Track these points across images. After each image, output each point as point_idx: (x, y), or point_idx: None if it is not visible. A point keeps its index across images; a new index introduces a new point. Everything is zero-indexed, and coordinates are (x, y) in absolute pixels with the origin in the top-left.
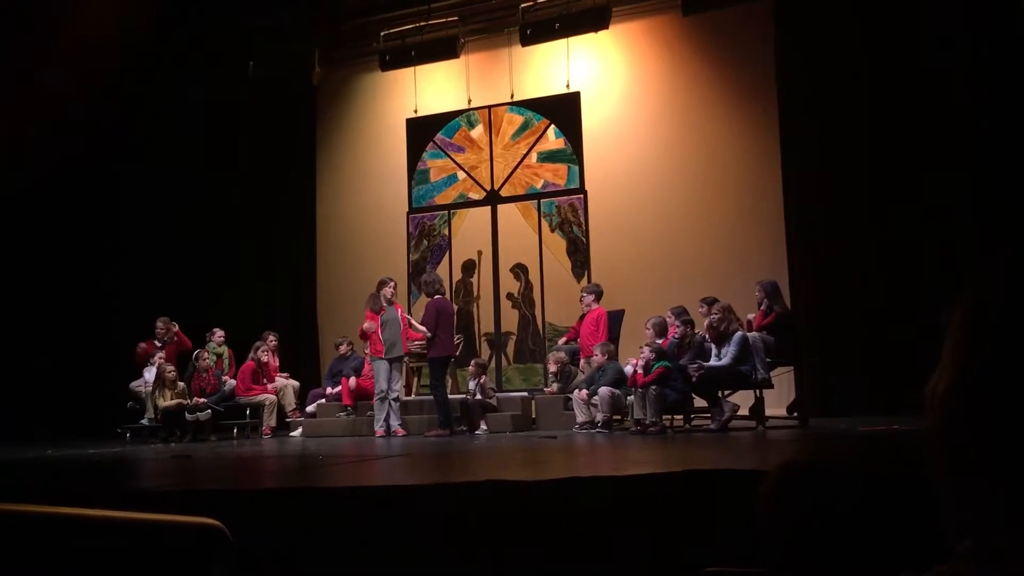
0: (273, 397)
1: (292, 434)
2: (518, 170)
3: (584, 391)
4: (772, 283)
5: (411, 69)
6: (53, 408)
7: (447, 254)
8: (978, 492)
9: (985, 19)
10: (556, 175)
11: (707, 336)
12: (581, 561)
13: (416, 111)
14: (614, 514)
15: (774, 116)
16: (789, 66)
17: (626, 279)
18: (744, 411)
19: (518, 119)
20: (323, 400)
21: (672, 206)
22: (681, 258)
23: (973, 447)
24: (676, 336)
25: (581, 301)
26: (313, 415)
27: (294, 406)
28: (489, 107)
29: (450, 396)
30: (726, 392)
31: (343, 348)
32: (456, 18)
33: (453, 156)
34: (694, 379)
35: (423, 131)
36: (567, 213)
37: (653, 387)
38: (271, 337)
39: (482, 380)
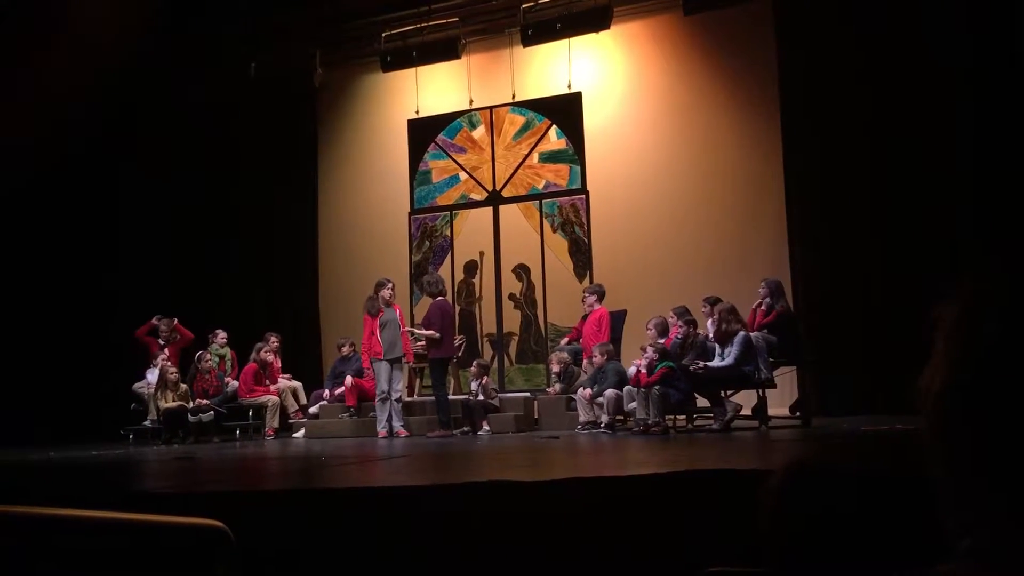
0: (275, 398)
1: (294, 435)
2: (520, 171)
3: (587, 390)
4: (776, 281)
5: (412, 70)
6: (55, 410)
7: (449, 255)
8: (977, 491)
9: (987, 18)
10: (558, 175)
11: (712, 338)
12: (583, 561)
13: (418, 112)
14: (617, 514)
15: (776, 115)
16: (791, 65)
17: (628, 279)
18: (747, 411)
19: (519, 120)
20: (325, 401)
21: (674, 206)
22: (683, 258)
23: (971, 446)
24: (680, 336)
25: (583, 301)
26: (315, 416)
27: (296, 407)
28: (491, 108)
29: (453, 397)
30: (728, 392)
31: (345, 349)
32: (457, 19)
33: (455, 157)
34: (698, 369)
35: (425, 132)
36: (569, 213)
37: (656, 387)
38: (273, 338)
39: (484, 381)
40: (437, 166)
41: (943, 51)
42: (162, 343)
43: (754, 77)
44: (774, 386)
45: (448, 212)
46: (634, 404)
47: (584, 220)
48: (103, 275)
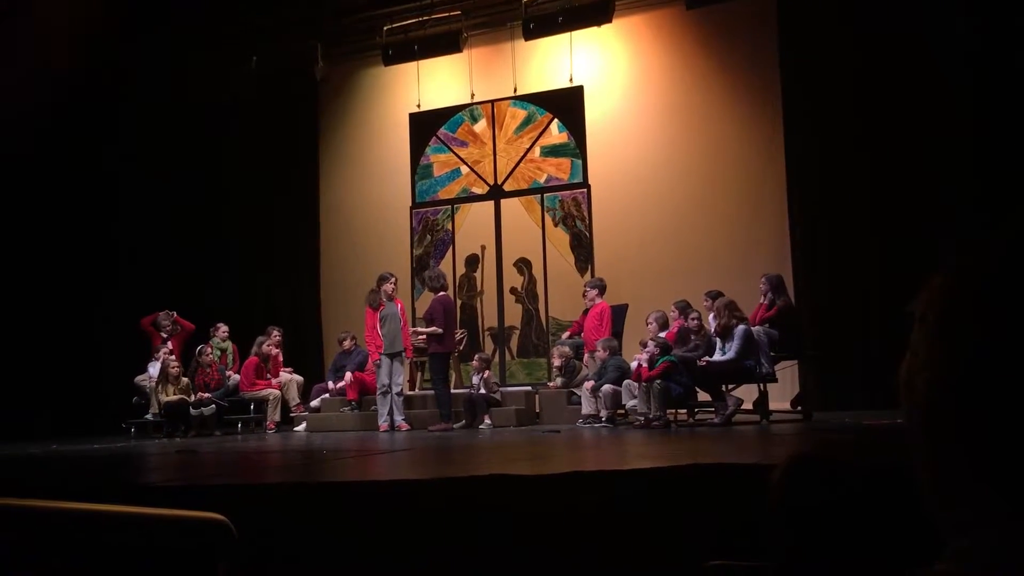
0: (277, 392)
1: (296, 429)
2: (521, 164)
3: (591, 383)
4: (777, 276)
5: (414, 64)
6: (57, 403)
7: (450, 249)
8: (972, 491)
9: (987, 18)
10: (559, 169)
11: (713, 332)
12: (585, 555)
13: (419, 106)
14: (618, 508)
15: (778, 110)
16: (793, 60)
17: (629, 273)
18: (748, 405)
19: (521, 113)
20: (327, 395)
21: (675, 200)
22: (684, 252)
23: (964, 446)
24: (692, 327)
25: (584, 296)
26: (317, 410)
27: (297, 401)
28: (492, 101)
29: (454, 390)
30: (730, 386)
31: (347, 343)
32: (459, 12)
33: (456, 151)
34: (702, 363)
35: (426, 126)
36: (570, 207)
37: (658, 381)
38: (275, 332)
39: (486, 375)
40: (438, 160)
41: (945, 48)
42: (164, 336)
43: (756, 71)
44: (775, 380)
45: (449, 206)
46: (634, 401)
47: (585, 214)
48: (105, 270)
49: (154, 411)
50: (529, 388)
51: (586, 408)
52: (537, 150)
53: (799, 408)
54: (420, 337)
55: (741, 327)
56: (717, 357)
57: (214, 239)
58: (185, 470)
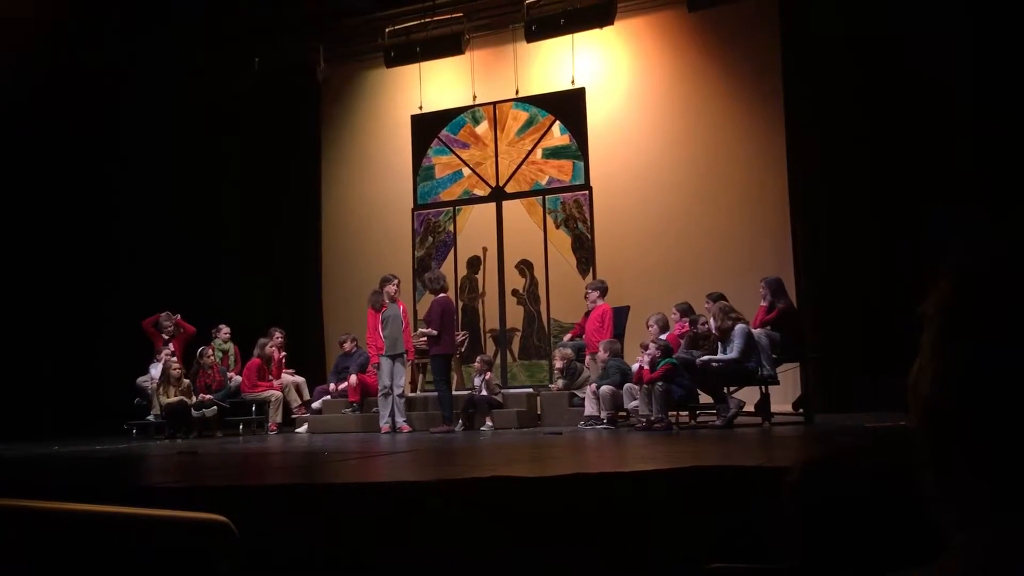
0: (279, 393)
1: (298, 430)
2: (523, 166)
3: (593, 386)
4: (776, 279)
5: (416, 65)
6: (59, 404)
7: (452, 250)
8: (972, 490)
9: (988, 18)
10: (561, 171)
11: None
12: (586, 557)
13: (421, 107)
14: (620, 510)
15: (779, 112)
16: (795, 62)
17: (631, 275)
18: (749, 407)
19: (523, 115)
20: (328, 396)
21: (677, 202)
22: (686, 254)
23: (964, 447)
24: (702, 332)
25: (586, 297)
26: (318, 411)
27: (299, 402)
28: (494, 103)
29: (456, 392)
30: (732, 388)
31: (347, 345)
32: (461, 14)
33: (458, 152)
34: (705, 365)
35: (428, 127)
36: (572, 209)
37: (659, 383)
38: (277, 333)
39: (488, 376)
40: (440, 161)
41: (945, 50)
42: (166, 338)
43: (757, 74)
44: (777, 383)
45: (451, 208)
46: (635, 403)
47: (587, 216)
48: (106, 271)
49: (155, 412)
50: (531, 390)
51: (589, 409)
52: (539, 152)
53: (801, 410)
54: (421, 339)
55: (740, 326)
56: (720, 356)
57: (216, 240)
58: (186, 471)
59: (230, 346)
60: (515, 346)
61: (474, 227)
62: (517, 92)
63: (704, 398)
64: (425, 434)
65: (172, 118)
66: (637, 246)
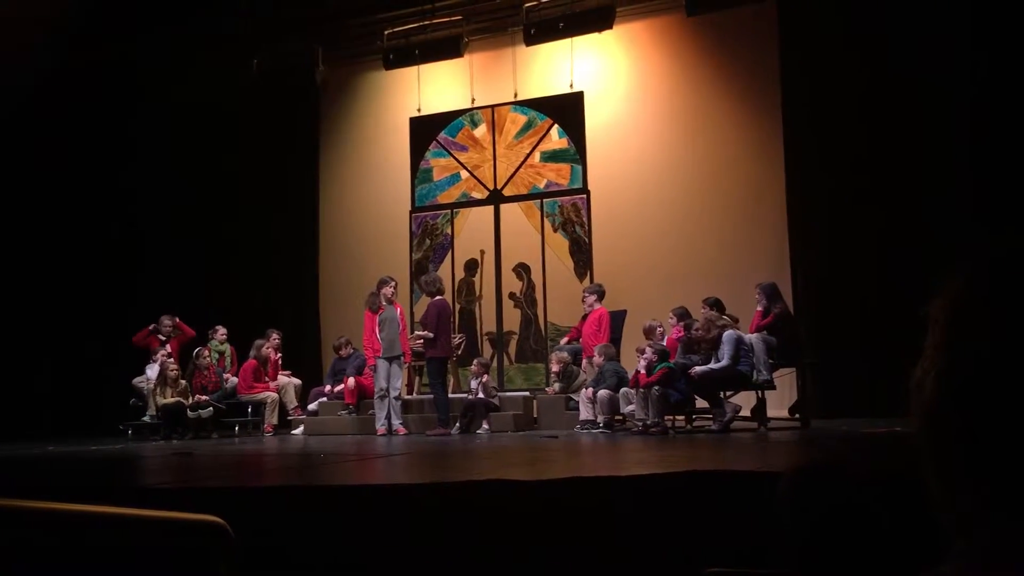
0: (275, 395)
1: (293, 432)
2: (521, 170)
3: (589, 390)
4: (771, 284)
5: (415, 68)
6: (54, 404)
7: (450, 253)
8: (973, 492)
9: (989, 20)
10: (559, 175)
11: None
12: (582, 561)
13: (419, 110)
14: (616, 514)
15: (777, 117)
16: (793, 67)
17: (628, 279)
18: (746, 412)
19: (521, 119)
20: (325, 398)
21: (675, 206)
22: (684, 258)
23: (966, 449)
24: (693, 334)
25: (583, 301)
26: (315, 413)
27: (296, 404)
28: (492, 106)
29: (453, 395)
30: (728, 393)
31: (344, 351)
32: (460, 17)
33: (456, 155)
34: (695, 375)
35: (426, 130)
36: (570, 213)
37: (656, 388)
38: (274, 335)
39: (484, 379)
40: (438, 164)
41: (944, 55)
42: (163, 339)
43: (756, 78)
44: (773, 387)
45: (449, 210)
46: (632, 407)
47: (585, 220)
48: (104, 273)
49: (152, 413)
50: (527, 393)
51: (584, 414)
52: (537, 155)
53: (797, 415)
54: (417, 342)
55: (727, 332)
56: (712, 365)
57: (213, 241)
58: (182, 472)
59: (226, 347)
60: (512, 349)
61: (472, 230)
62: (516, 95)
63: (701, 403)
64: (421, 437)
65: (171, 119)
66: (635, 250)
